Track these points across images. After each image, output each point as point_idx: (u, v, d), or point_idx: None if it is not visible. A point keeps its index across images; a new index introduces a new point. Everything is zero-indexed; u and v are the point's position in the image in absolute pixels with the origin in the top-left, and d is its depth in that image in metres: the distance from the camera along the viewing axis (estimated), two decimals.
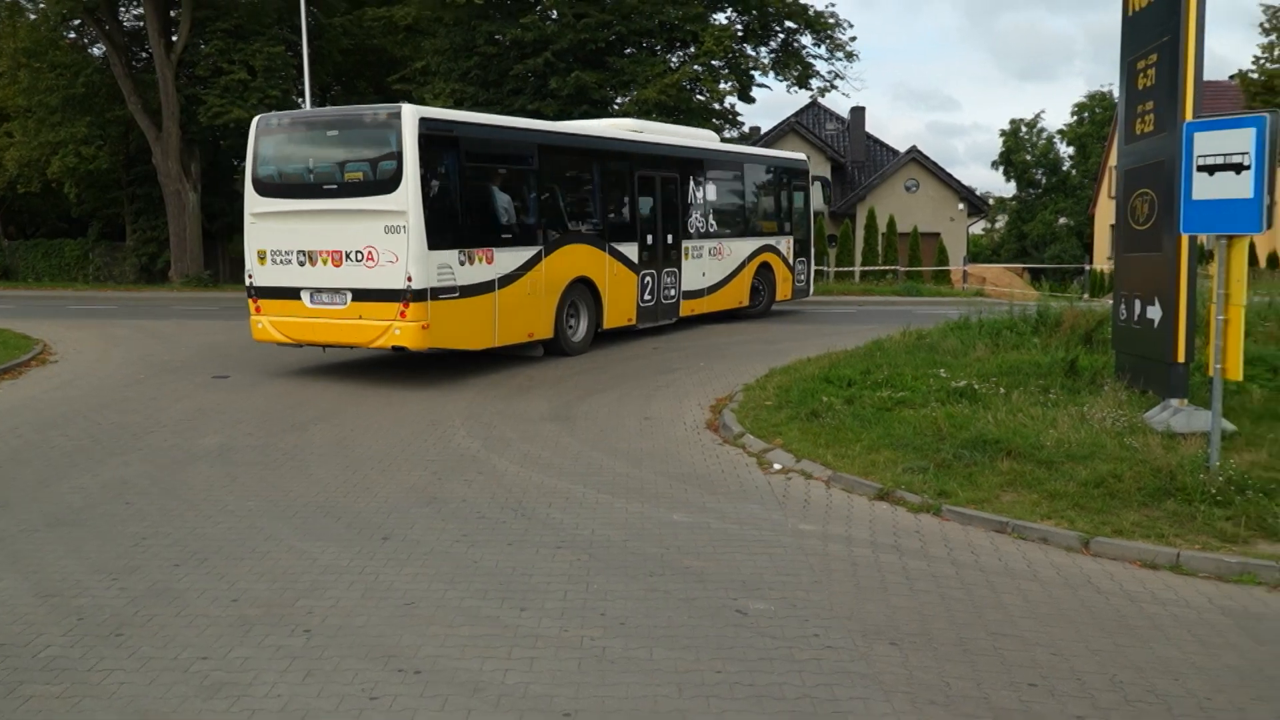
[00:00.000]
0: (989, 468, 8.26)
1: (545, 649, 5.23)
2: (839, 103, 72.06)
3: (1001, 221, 77.32)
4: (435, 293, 12.67)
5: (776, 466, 8.95)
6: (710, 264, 18.99)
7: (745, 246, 20.07)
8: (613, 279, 16.32)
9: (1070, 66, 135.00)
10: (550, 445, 9.85)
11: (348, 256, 12.84)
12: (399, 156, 12.48)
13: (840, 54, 33.70)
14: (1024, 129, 72.10)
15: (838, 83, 34.58)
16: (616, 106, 32.06)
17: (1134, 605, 5.91)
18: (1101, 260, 42.35)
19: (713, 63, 31.55)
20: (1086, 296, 21.32)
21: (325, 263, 13.01)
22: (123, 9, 36.97)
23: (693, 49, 31.66)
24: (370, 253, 12.67)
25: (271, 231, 13.52)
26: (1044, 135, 71.97)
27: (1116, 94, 11.18)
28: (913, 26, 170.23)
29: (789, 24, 33.22)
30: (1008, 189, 74.51)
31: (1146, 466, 7.84)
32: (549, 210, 15.17)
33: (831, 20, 33.01)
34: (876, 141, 48.65)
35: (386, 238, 12.54)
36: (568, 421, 10.93)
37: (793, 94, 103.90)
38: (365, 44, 37.13)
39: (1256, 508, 7.09)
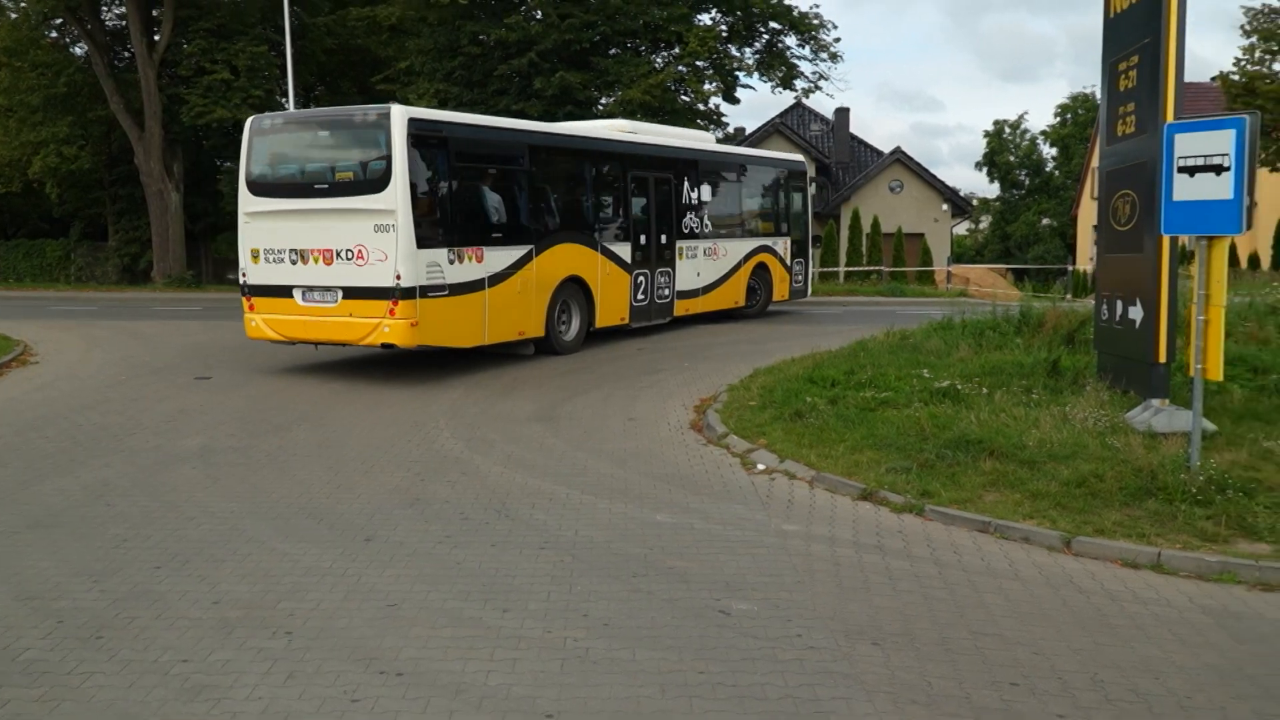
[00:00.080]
0: (972, 468, 8.29)
1: (528, 650, 5.22)
2: (824, 104, 72.38)
3: (985, 222, 77.60)
4: (424, 291, 12.80)
5: (760, 467, 8.96)
6: (705, 264, 19.04)
7: (741, 247, 20.14)
8: (605, 278, 16.37)
9: (1052, 68, 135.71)
10: (534, 446, 9.84)
11: (338, 255, 12.97)
12: (388, 156, 12.61)
13: (824, 55, 33.83)
14: (1007, 130, 72.42)
15: (822, 84, 34.72)
16: (601, 107, 32.06)
17: (1115, 604, 5.94)
18: (1084, 261, 42.52)
19: (697, 63, 31.59)
20: (1069, 297, 21.40)
21: (317, 261, 13.15)
22: (104, 8, 36.77)
23: (677, 49, 31.68)
24: (360, 251, 12.79)
25: (264, 230, 13.66)
26: (1027, 136, 72.33)
27: (1098, 95, 11.23)
28: (897, 28, 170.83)
29: (773, 25, 33.29)
30: (991, 190, 74.85)
31: (1128, 466, 7.88)
32: (540, 210, 15.26)
33: (816, 21, 33.10)
34: (861, 142, 48.76)
35: (376, 236, 12.67)
36: (552, 422, 10.92)
37: (777, 95, 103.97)
38: (349, 44, 37.03)
39: (1236, 507, 7.13)
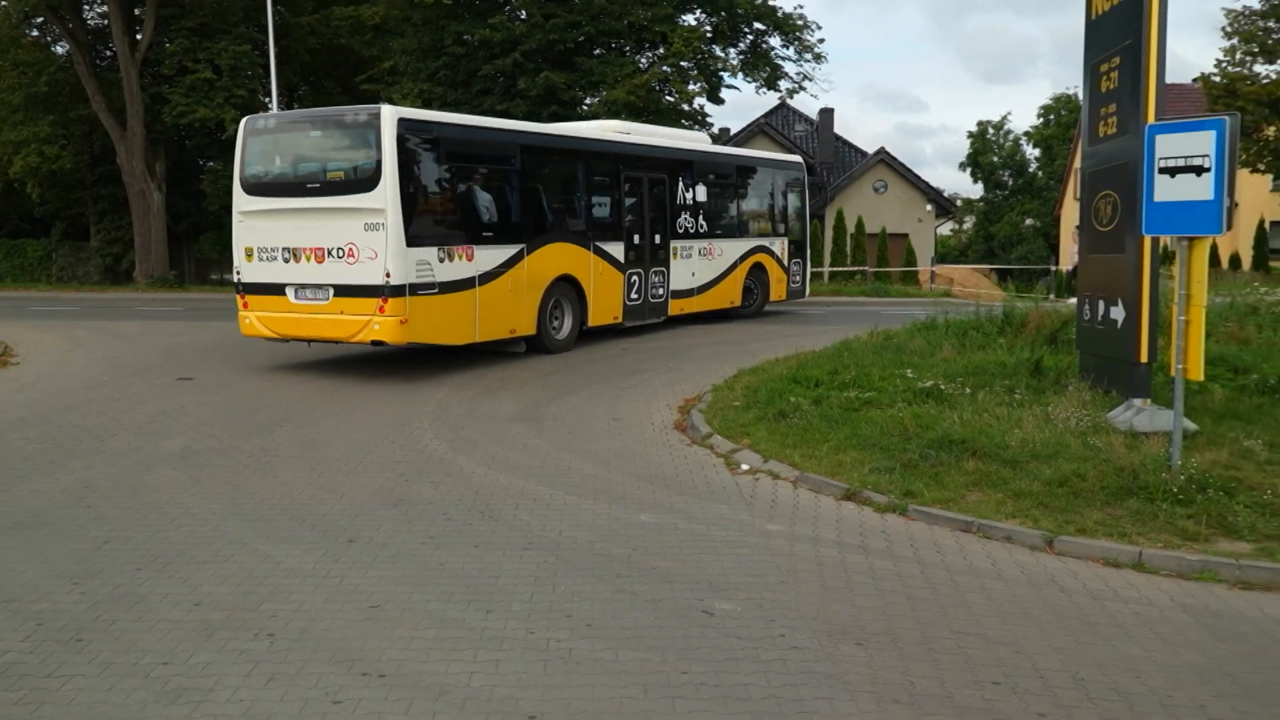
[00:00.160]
0: (955, 467, 8.31)
1: (511, 651, 5.21)
2: (808, 104, 72.56)
3: (969, 222, 77.94)
4: (414, 289, 12.93)
5: (744, 467, 8.97)
6: (700, 264, 19.12)
7: (737, 247, 20.21)
8: (598, 278, 16.46)
9: (1035, 69, 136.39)
10: (518, 446, 9.83)
11: (330, 253, 13.12)
12: (378, 156, 12.76)
13: (809, 55, 33.90)
14: (991, 131, 72.78)
15: (806, 84, 34.77)
16: (585, 107, 32.04)
17: (1097, 603, 5.96)
18: (1067, 261, 42.71)
19: (681, 64, 31.58)
20: (1053, 297, 21.50)
21: (309, 259, 13.30)
22: (86, 7, 36.57)
23: (661, 50, 31.68)
24: (351, 249, 12.94)
25: (258, 229, 13.80)
26: (1010, 137, 72.72)
27: (1081, 96, 11.28)
28: (881, 28, 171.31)
29: (757, 25, 33.34)
30: (975, 190, 75.23)
31: (1109, 466, 7.92)
32: (531, 209, 15.34)
33: (800, 22, 33.16)
34: (845, 143, 48.86)
35: (366, 235, 12.81)
36: (536, 422, 10.90)
37: (761, 95, 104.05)
38: (333, 43, 36.93)
39: (1217, 506, 7.17)
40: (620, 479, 8.63)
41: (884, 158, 43.21)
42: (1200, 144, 7.58)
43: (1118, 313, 9.78)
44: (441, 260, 13.38)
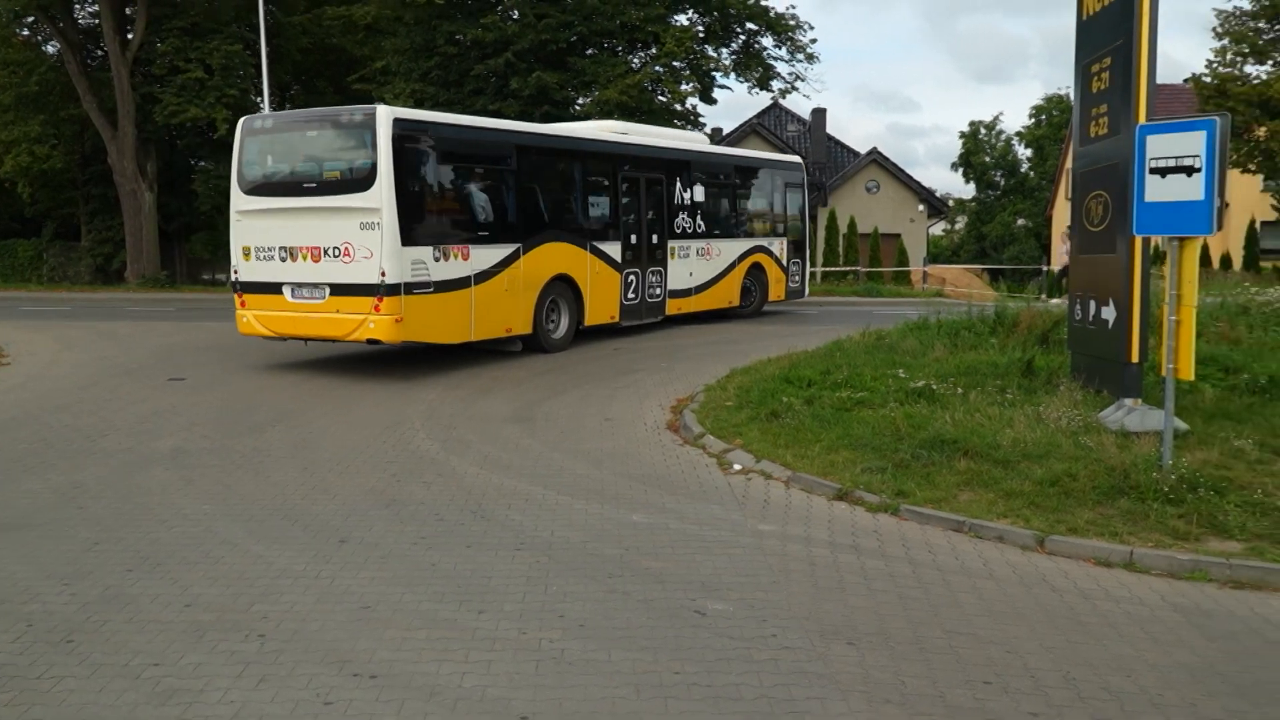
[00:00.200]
0: (946, 467, 8.33)
1: (503, 651, 5.21)
2: (800, 104, 72.54)
3: (961, 223, 78.07)
4: (409, 287, 13.04)
5: (736, 467, 8.97)
6: (698, 264, 19.19)
7: (735, 247, 20.27)
8: (594, 277, 16.54)
9: (1027, 69, 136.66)
10: (510, 447, 9.82)
11: (326, 252, 13.21)
12: (373, 155, 12.86)
13: (801, 56, 33.91)
14: (983, 131, 72.91)
15: (798, 84, 34.80)
16: (578, 107, 32.02)
17: (1088, 603, 5.98)
18: (1056, 262, 42.78)
19: (674, 64, 31.58)
20: (1044, 297, 21.53)
21: (305, 258, 13.39)
22: (77, 6, 36.44)
23: (654, 50, 31.67)
24: (347, 249, 13.03)
25: (255, 229, 13.91)
26: (1002, 137, 72.86)
27: (1072, 97, 11.31)
28: (873, 29, 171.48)
29: (750, 25, 33.34)
30: (967, 190, 75.39)
31: (1101, 465, 7.93)
32: (527, 209, 15.43)
33: (792, 22, 33.16)
34: (837, 143, 48.90)
35: (362, 234, 12.91)
36: (528, 423, 10.90)
37: (754, 95, 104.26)
38: (324, 43, 36.85)
39: (1208, 505, 7.20)
40: (613, 479, 8.63)
41: (876, 158, 43.28)
42: (1191, 144, 7.61)
43: (1109, 313, 9.80)
44: (437, 259, 13.46)
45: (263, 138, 14.14)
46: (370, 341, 13.41)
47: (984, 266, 52.72)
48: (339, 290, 13.16)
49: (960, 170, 73.86)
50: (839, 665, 5.09)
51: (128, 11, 34.98)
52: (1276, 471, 8.21)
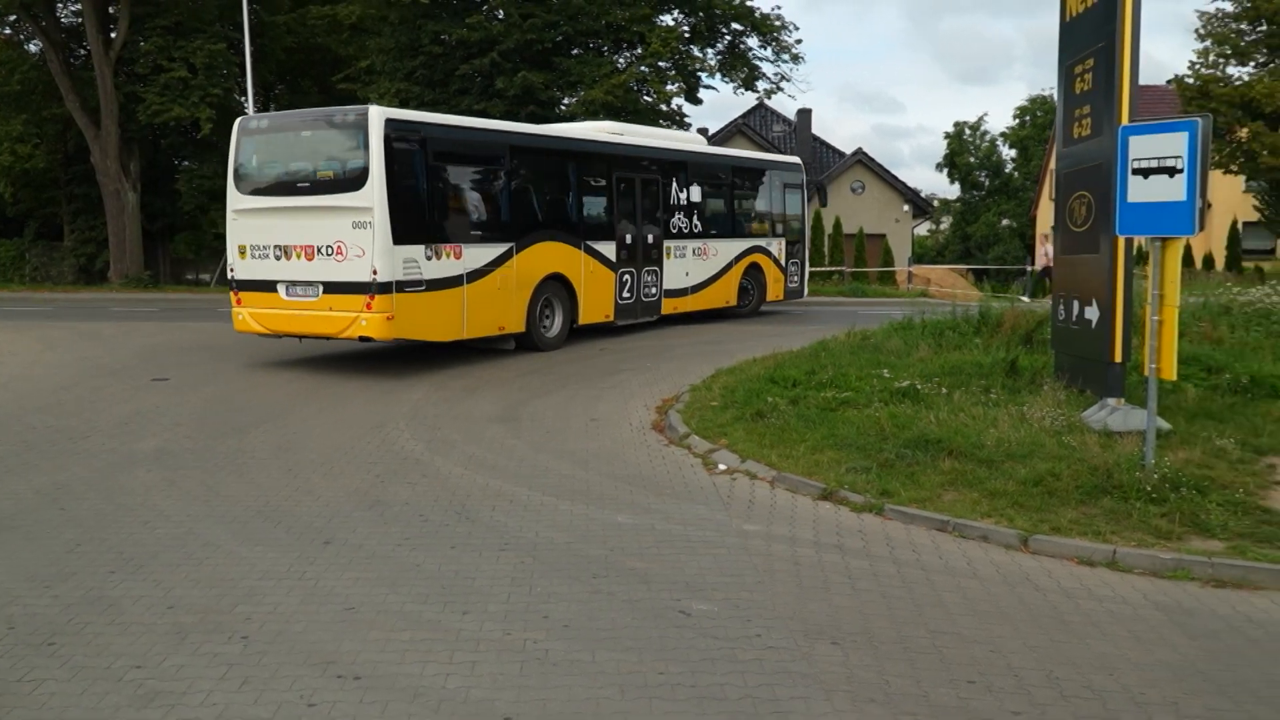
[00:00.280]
0: (931, 467, 8.35)
1: (487, 652, 5.20)
2: (786, 105, 72.60)
3: (946, 223, 78.27)
4: (400, 286, 13.19)
5: (721, 467, 8.98)
6: (694, 264, 19.28)
7: (733, 247, 20.35)
8: (589, 277, 16.66)
9: (1011, 70, 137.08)
10: (496, 447, 9.81)
11: (319, 251, 13.38)
12: (365, 155, 13.02)
13: (786, 56, 33.95)
14: (967, 132, 73.12)
15: (784, 85, 34.88)
16: (564, 107, 32.00)
17: (1071, 602, 6.00)
18: (1040, 262, 42.95)
19: (659, 64, 31.60)
20: (1024, 299, 21.63)
21: (299, 257, 13.57)
22: (60, 4, 36.21)
23: (640, 50, 31.67)
24: (339, 247, 13.19)
25: (251, 227, 14.08)
26: (987, 138, 73.06)
27: (1056, 98, 11.35)
28: (858, 29, 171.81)
29: (735, 26, 33.35)
30: (952, 191, 75.58)
31: (1084, 465, 7.97)
32: (520, 209, 15.60)
33: (777, 23, 33.19)
34: (823, 143, 48.99)
35: (354, 233, 13.07)
36: (514, 423, 10.88)
37: (739, 95, 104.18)
38: (309, 42, 36.72)
39: (1190, 504, 7.24)
40: (598, 480, 8.62)
41: (861, 158, 43.39)
42: (1173, 145, 7.65)
43: (1092, 313, 9.84)
44: (429, 258, 13.60)
45: (258, 138, 14.27)
46: (362, 339, 13.53)
47: (969, 267, 52.88)
48: (332, 288, 13.33)
49: (945, 171, 74.11)
50: (823, 665, 5.09)
51: (110, 10, 34.79)
52: (1258, 471, 8.27)
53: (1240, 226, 37.56)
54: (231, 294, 14.49)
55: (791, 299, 22.85)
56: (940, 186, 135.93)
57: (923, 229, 67.59)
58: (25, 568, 6.46)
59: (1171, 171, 7.64)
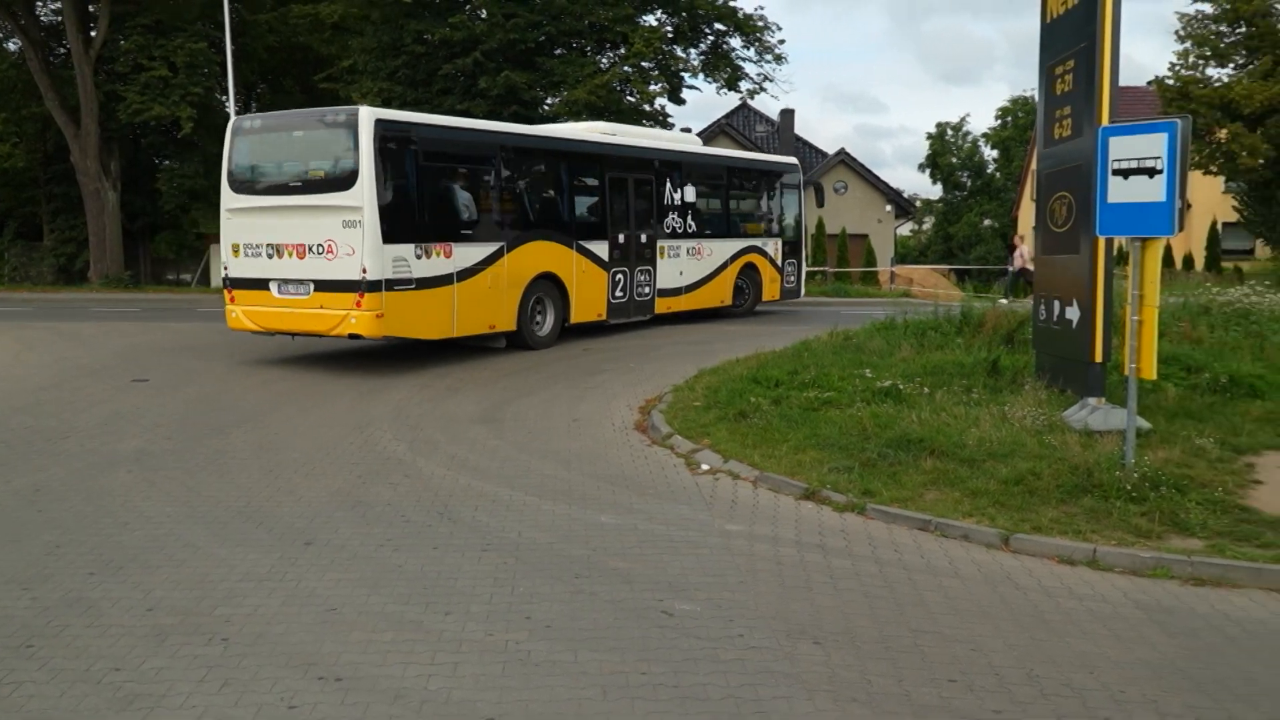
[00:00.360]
0: (913, 467, 8.37)
1: (469, 653, 5.19)
2: (769, 105, 72.71)
3: (928, 223, 78.49)
4: (390, 284, 13.33)
5: (704, 467, 8.98)
6: (689, 263, 19.36)
7: (728, 247, 20.42)
8: (581, 276, 16.75)
9: (993, 71, 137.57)
10: (478, 448, 9.79)
11: (310, 249, 13.53)
12: (355, 155, 13.17)
13: (769, 56, 34.03)
14: (949, 132, 73.35)
15: (767, 85, 34.93)
16: (547, 107, 31.97)
17: (1051, 600, 6.03)
18: (1018, 263, 43.10)
19: (642, 64, 31.60)
20: (1003, 301, 21.70)
21: (291, 255, 13.74)
22: (39, 3, 35.98)
23: (623, 50, 31.67)
24: (330, 246, 13.34)
25: (244, 226, 14.24)
26: (969, 139, 73.30)
27: (1037, 99, 11.40)
28: (841, 30, 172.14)
29: (718, 26, 33.40)
30: (934, 191, 75.79)
31: (1065, 464, 8.01)
32: (511, 209, 15.74)
33: (760, 23, 33.25)
34: (806, 144, 49.05)
35: (344, 232, 13.23)
36: (496, 423, 10.87)
37: (722, 96, 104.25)
38: (291, 41, 36.57)
39: (1170, 503, 7.28)
40: (580, 480, 8.62)
41: (844, 159, 43.50)
42: (1152, 146, 7.69)
43: (1073, 313, 9.89)
44: (419, 257, 13.73)
45: (252, 138, 14.44)
46: (352, 336, 13.64)
47: (950, 267, 53.02)
48: (323, 286, 13.47)
49: (927, 171, 74.34)
50: (805, 664, 5.10)
51: (90, 8, 34.57)
52: (1237, 470, 8.33)
53: (1220, 227, 37.83)
54: (225, 292, 14.62)
55: (788, 299, 22.92)
56: (922, 187, 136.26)
57: (905, 229, 67.75)
58: (3, 570, 6.41)
59: (1151, 172, 7.68)
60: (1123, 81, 9.46)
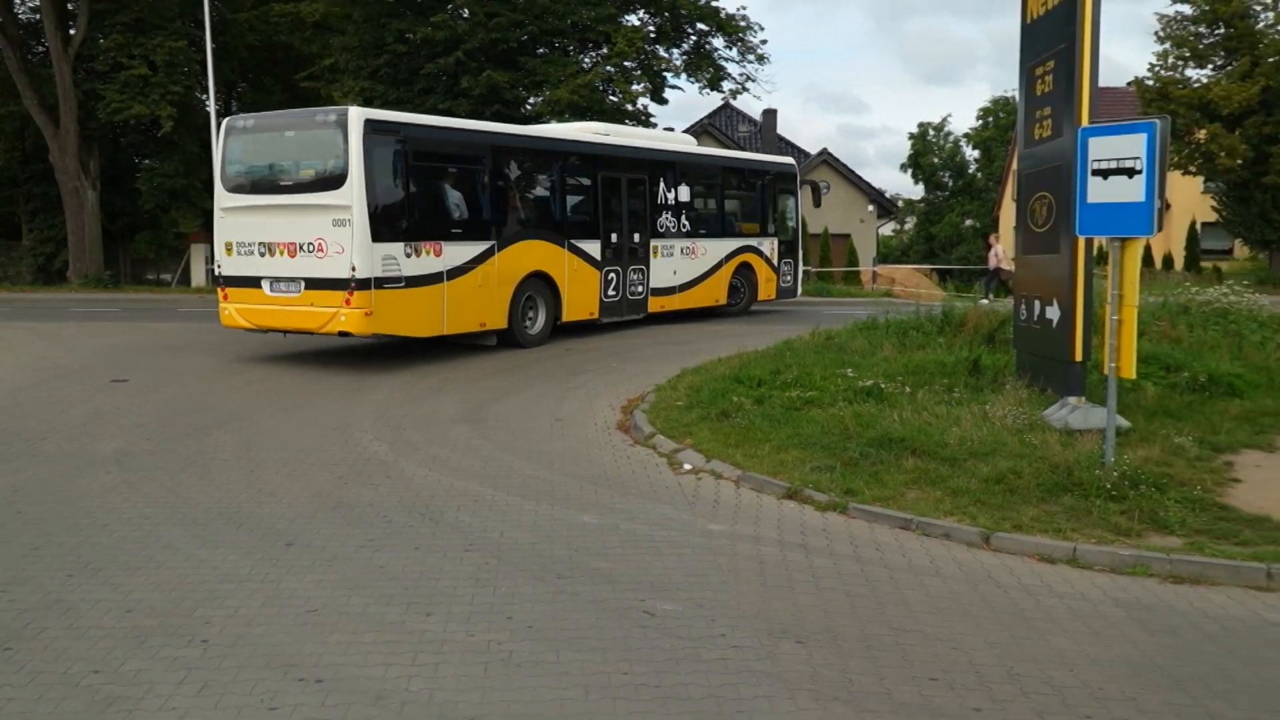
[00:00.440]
0: (894, 466, 8.40)
1: (451, 654, 5.18)
2: (751, 105, 72.80)
3: (910, 223, 78.69)
4: (379, 282, 13.49)
5: (687, 467, 8.99)
6: (683, 263, 19.44)
7: (722, 247, 20.49)
8: (573, 275, 16.87)
9: (975, 71, 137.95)
10: (460, 448, 9.77)
11: (301, 248, 13.71)
12: (345, 155, 13.32)
13: (751, 56, 34.05)
14: (931, 132, 73.53)
15: (749, 85, 35.02)
16: (529, 107, 31.92)
17: (1031, 598, 6.06)
18: (1005, 261, 43.26)
19: (625, 64, 31.58)
20: (984, 302, 21.79)
21: (282, 254, 13.93)
22: (17, 1, 35.72)
23: (605, 50, 31.65)
24: (320, 244, 13.51)
25: (237, 225, 14.47)
26: (950, 139, 73.50)
27: (1017, 99, 11.45)
28: (823, 30, 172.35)
29: (701, 26, 33.41)
30: (916, 191, 75.93)
31: (1045, 463, 8.05)
32: (502, 208, 15.84)
33: (743, 23, 33.26)
34: (788, 144, 49.14)
35: (334, 230, 13.39)
36: (478, 423, 10.85)
37: (705, 96, 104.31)
38: (272, 40, 36.42)
39: (1149, 501, 7.33)
40: (562, 480, 8.61)
41: (827, 159, 43.61)
42: (1131, 146, 7.73)
43: (1053, 312, 9.94)
44: (408, 255, 13.89)
45: (245, 137, 14.59)
46: (341, 334, 13.79)
47: (932, 266, 53.18)
48: (313, 284, 13.62)
49: (909, 171, 74.49)
50: (787, 664, 5.11)
51: (69, 6, 34.34)
52: (1216, 468, 8.39)
53: (1199, 227, 38.08)
54: (218, 290, 14.82)
55: (784, 298, 22.96)
56: (904, 187, 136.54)
57: (887, 229, 67.89)
58: None
59: (1130, 172, 7.73)
60: (1102, 82, 9.53)
